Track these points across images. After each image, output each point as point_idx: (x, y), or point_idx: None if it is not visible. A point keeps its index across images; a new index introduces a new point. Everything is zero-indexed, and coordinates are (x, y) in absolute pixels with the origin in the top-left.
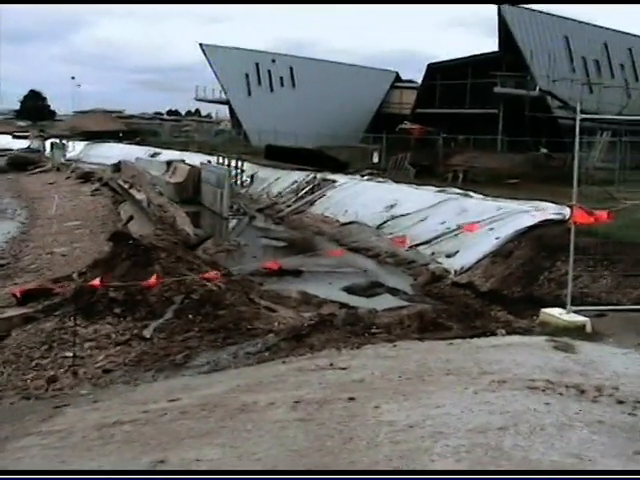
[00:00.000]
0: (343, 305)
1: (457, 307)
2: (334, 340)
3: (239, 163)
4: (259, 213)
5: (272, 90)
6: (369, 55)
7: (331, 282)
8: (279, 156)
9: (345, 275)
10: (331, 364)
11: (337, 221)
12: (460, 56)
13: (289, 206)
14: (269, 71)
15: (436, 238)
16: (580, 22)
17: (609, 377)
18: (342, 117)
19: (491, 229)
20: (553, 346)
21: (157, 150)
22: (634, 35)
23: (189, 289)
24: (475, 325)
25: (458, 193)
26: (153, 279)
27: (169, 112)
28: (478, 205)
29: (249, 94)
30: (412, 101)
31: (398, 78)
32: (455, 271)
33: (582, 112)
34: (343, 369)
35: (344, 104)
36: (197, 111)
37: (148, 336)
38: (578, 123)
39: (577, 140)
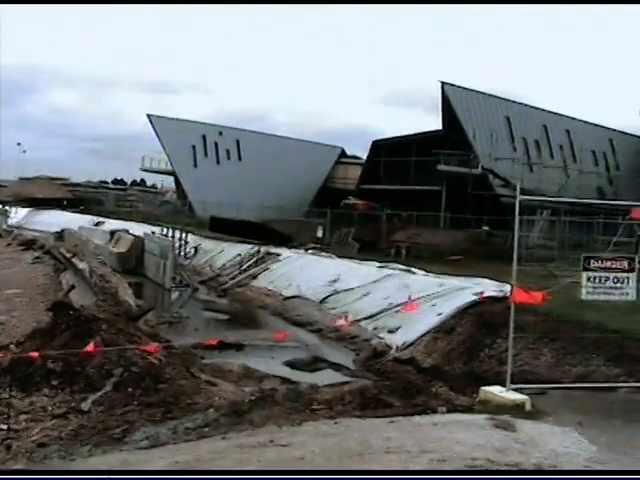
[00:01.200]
0: (285, 380)
1: (399, 383)
2: (275, 416)
3: (183, 234)
4: (202, 285)
5: (218, 162)
6: (315, 130)
7: (273, 356)
8: (224, 228)
9: (287, 349)
10: (272, 441)
11: (280, 295)
12: (404, 133)
13: (233, 278)
14: (216, 143)
15: (379, 313)
16: (520, 103)
17: (548, 456)
18: (287, 191)
19: (433, 305)
20: (493, 424)
21: (101, 219)
22: (571, 118)
23: (129, 362)
24: (416, 402)
25: (401, 269)
26: (91, 346)
27: (114, 181)
28: (420, 281)
29: (195, 166)
30: (357, 177)
31: (343, 154)
32: (397, 347)
33: (523, 191)
34: (284, 446)
35: (289, 178)
36: (143, 181)
37: (86, 409)
38: (518, 204)
39: (517, 220)
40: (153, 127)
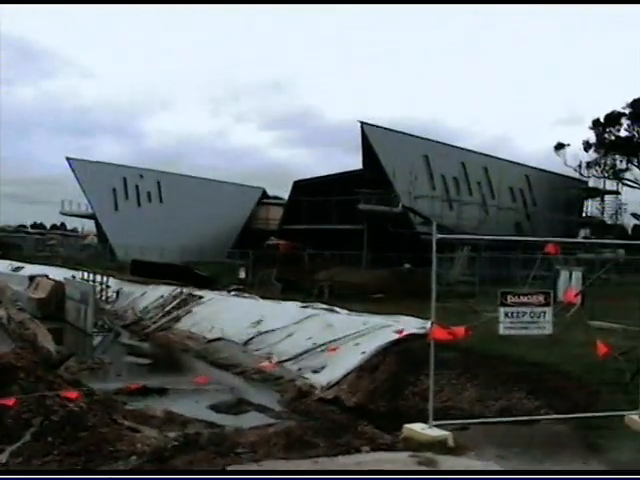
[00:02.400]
0: (209, 424)
1: (324, 423)
2: (199, 461)
3: (104, 278)
4: (125, 329)
5: (139, 205)
6: (236, 172)
7: (197, 400)
8: (145, 271)
9: (212, 393)
10: None
11: (204, 337)
12: (325, 173)
13: (155, 322)
14: (137, 186)
15: (303, 353)
16: (438, 142)
17: None
18: (209, 232)
19: (357, 344)
20: (416, 462)
21: (20, 264)
22: (489, 155)
23: (49, 410)
24: (341, 442)
25: (324, 308)
26: (11, 400)
27: (33, 225)
28: (344, 320)
29: (116, 209)
30: (279, 217)
31: (265, 194)
32: (322, 387)
33: (443, 227)
34: None
35: (211, 219)
36: (63, 225)
37: (3, 461)
38: (435, 242)
39: (434, 259)
40: (73, 170)
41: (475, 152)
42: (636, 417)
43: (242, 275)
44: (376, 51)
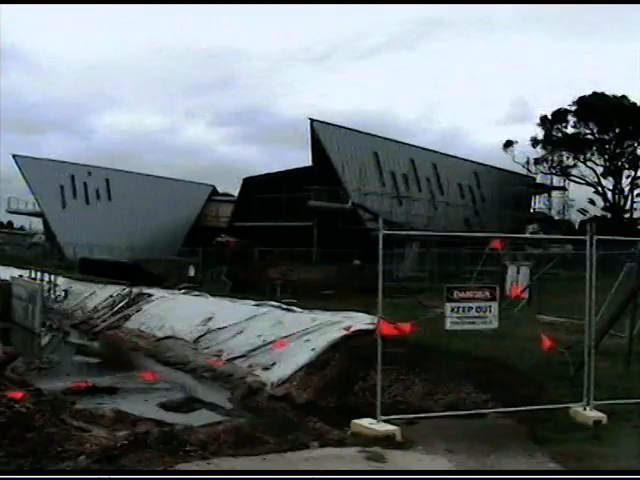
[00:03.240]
0: (159, 422)
1: (274, 420)
2: (147, 459)
3: (52, 277)
4: (74, 329)
5: (88, 203)
6: (186, 168)
7: (147, 399)
8: (94, 270)
9: (162, 391)
10: None
11: (153, 336)
12: (276, 170)
13: (104, 321)
14: (85, 183)
15: (253, 351)
16: (388, 139)
17: None
18: (159, 230)
19: (307, 340)
20: (365, 457)
21: None
22: (437, 152)
23: None
24: (290, 438)
25: (274, 305)
26: None
27: None
28: (294, 317)
29: (64, 207)
30: (229, 214)
31: (215, 191)
32: (272, 383)
33: (392, 224)
34: None
35: (161, 217)
36: (10, 223)
37: None
38: (381, 238)
39: (381, 254)
40: (19, 168)
41: (424, 149)
42: (580, 409)
43: (192, 273)
44: (328, 46)
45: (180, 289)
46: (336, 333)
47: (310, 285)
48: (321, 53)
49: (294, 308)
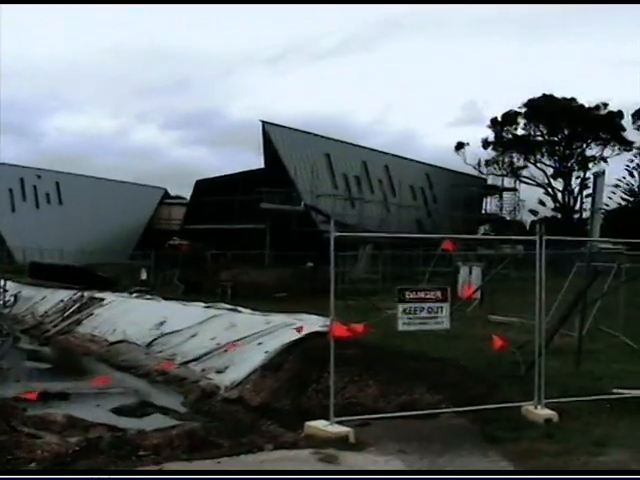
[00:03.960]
0: (112, 428)
1: (228, 423)
2: (99, 465)
3: (1, 282)
4: (24, 334)
5: (38, 206)
6: (138, 171)
7: (99, 404)
8: (45, 274)
9: (115, 396)
10: None
11: (106, 340)
12: (228, 172)
13: (56, 326)
14: (34, 187)
15: (206, 354)
16: (340, 141)
17: None
18: (110, 234)
19: (260, 343)
20: (318, 458)
21: None
22: (390, 154)
23: None
24: (244, 441)
25: (227, 308)
26: None
27: None
28: (247, 320)
29: (13, 210)
30: (181, 217)
31: (167, 194)
32: (226, 387)
33: (345, 225)
34: None
35: (112, 221)
36: None
37: None
38: (333, 240)
39: (332, 256)
40: None
41: (376, 151)
42: (531, 408)
43: (144, 276)
44: (282, 48)
45: (132, 293)
46: (289, 335)
47: (263, 288)
48: (275, 55)
49: (247, 311)
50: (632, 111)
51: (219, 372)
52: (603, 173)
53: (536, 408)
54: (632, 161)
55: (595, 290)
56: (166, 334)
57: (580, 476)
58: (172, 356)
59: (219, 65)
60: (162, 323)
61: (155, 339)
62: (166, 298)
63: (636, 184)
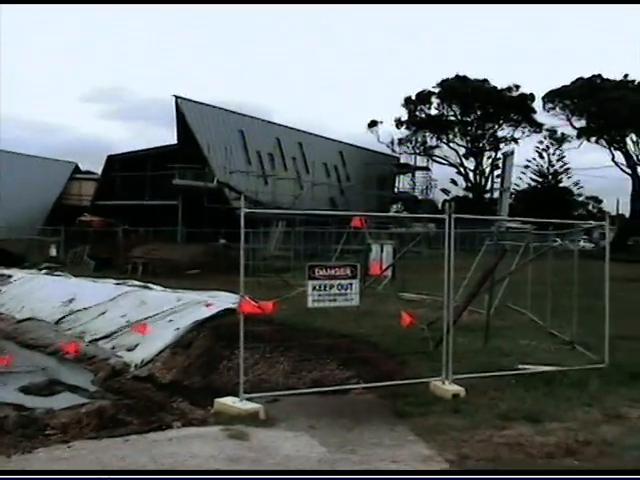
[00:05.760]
0: (18, 407)
1: (138, 401)
2: (4, 445)
3: None
4: None
5: None
6: (48, 146)
7: (6, 383)
8: None
9: (22, 375)
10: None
11: (13, 318)
12: (141, 148)
13: None
14: None
15: (116, 332)
16: (254, 117)
17: (281, 461)
18: (18, 209)
19: (171, 321)
20: (227, 435)
21: None
22: (303, 131)
23: None
24: (154, 419)
25: (138, 285)
26: None
27: None
28: (158, 297)
29: None
30: (92, 193)
31: (77, 169)
32: (136, 365)
33: (258, 202)
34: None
35: (20, 195)
36: None
37: None
38: (243, 217)
39: (242, 232)
40: None
41: (290, 128)
42: (439, 383)
43: (53, 253)
44: (196, 32)
45: (41, 269)
46: (201, 313)
47: (175, 265)
48: (192, 33)
49: (158, 288)
50: (543, 94)
51: (129, 350)
52: (512, 153)
53: (444, 384)
54: (542, 142)
55: (504, 268)
56: (76, 311)
57: (581, 476)
58: (82, 333)
59: (133, 38)
60: (71, 300)
61: (64, 316)
62: (76, 275)
63: (545, 165)
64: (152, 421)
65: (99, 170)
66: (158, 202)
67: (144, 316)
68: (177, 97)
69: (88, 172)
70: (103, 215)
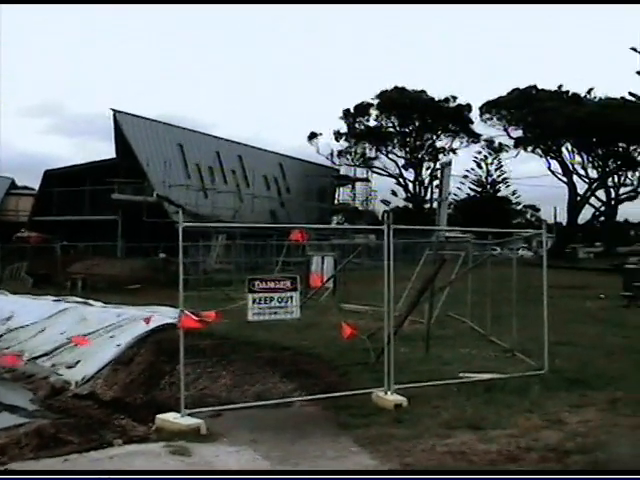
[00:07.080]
0: None
1: (79, 419)
2: None
3: None
4: None
5: None
6: None
7: None
8: None
9: None
10: None
11: None
12: (79, 162)
13: None
14: None
15: (56, 349)
16: (193, 131)
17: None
18: None
19: (112, 337)
20: (169, 451)
21: None
22: (243, 144)
23: None
24: (95, 437)
25: (77, 301)
26: None
27: None
28: (98, 313)
29: None
30: (29, 208)
31: (14, 185)
32: (77, 382)
33: (198, 216)
34: None
35: None
36: None
37: None
38: (181, 230)
39: (181, 247)
40: None
41: (229, 141)
42: (382, 394)
43: None
44: (134, 45)
45: None
46: (142, 328)
47: (115, 280)
48: (130, 47)
49: (98, 304)
50: (480, 104)
51: (70, 367)
52: (449, 164)
53: (386, 394)
54: (480, 152)
55: (444, 278)
56: (13, 329)
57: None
58: (20, 352)
59: (72, 58)
60: (9, 318)
61: (1, 335)
62: (14, 292)
63: (484, 175)
64: (93, 439)
65: (37, 185)
66: (97, 217)
67: (85, 332)
68: (115, 111)
69: (25, 187)
70: (41, 231)
